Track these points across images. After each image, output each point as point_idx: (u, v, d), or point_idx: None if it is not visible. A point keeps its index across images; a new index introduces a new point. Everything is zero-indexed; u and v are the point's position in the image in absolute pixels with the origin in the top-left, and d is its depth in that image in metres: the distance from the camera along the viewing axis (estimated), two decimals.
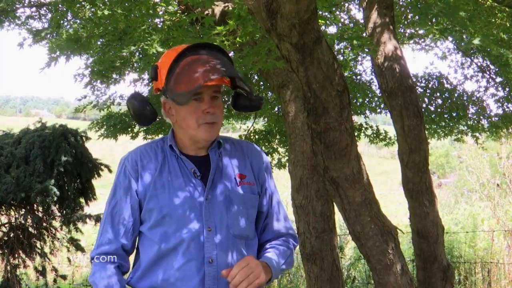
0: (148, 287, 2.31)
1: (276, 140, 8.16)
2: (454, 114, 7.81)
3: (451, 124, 7.99)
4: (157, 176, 2.33)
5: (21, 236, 7.45)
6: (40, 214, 7.53)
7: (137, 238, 2.40)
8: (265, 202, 2.47)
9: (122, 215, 2.34)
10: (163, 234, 2.26)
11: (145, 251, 2.33)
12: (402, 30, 8.06)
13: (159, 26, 5.03)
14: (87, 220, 7.50)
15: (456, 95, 7.94)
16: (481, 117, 7.98)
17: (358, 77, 8.14)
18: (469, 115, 7.96)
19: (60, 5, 5.33)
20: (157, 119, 2.54)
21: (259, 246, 2.47)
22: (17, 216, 7.59)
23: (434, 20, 5.73)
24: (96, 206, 7.94)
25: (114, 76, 6.88)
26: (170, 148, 2.38)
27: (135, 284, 2.36)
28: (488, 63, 8.21)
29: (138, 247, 2.41)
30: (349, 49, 7.06)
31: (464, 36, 7.15)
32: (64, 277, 8.00)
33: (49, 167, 7.13)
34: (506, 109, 8.01)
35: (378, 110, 7.96)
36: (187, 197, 2.29)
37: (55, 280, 7.84)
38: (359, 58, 8.18)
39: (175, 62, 2.26)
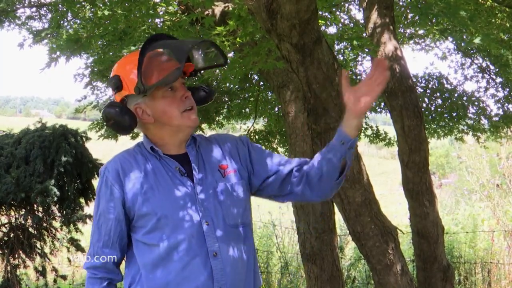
0: None
1: (276, 140, 8.18)
2: (454, 114, 7.82)
3: (451, 124, 7.99)
4: (143, 180, 2.29)
5: (21, 236, 7.45)
6: (40, 214, 7.53)
7: (128, 247, 2.37)
8: (269, 165, 2.45)
9: (107, 226, 2.31)
10: (161, 236, 2.23)
11: (143, 256, 2.28)
12: (402, 30, 8.07)
13: (159, 26, 5.04)
14: (87, 220, 7.50)
15: (456, 95, 7.95)
16: (482, 117, 7.99)
17: (358, 77, 8.15)
18: (470, 115, 7.97)
19: (60, 5, 5.34)
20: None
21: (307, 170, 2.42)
22: (17, 216, 7.59)
23: (434, 20, 5.73)
24: None
25: None
26: (151, 150, 2.34)
27: None
28: (488, 63, 8.22)
29: (130, 255, 2.37)
30: (349, 49, 7.06)
31: (464, 36, 7.15)
32: (64, 277, 7.99)
33: (49, 167, 7.13)
34: (506, 110, 8.01)
35: (378, 110, 7.97)
36: (179, 196, 2.27)
37: (55, 280, 7.83)
38: (359, 58, 8.20)
39: (141, 56, 2.24)
